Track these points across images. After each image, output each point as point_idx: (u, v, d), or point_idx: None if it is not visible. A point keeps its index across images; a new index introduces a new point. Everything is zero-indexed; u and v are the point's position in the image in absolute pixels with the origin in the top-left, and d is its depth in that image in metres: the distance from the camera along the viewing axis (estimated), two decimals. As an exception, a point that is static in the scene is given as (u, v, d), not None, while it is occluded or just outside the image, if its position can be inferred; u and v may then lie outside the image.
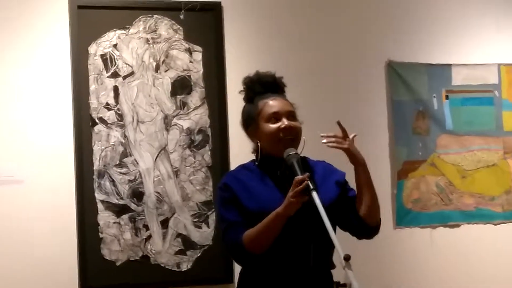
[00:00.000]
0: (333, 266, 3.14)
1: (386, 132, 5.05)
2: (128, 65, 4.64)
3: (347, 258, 2.58)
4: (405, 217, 5.04)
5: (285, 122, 3.17)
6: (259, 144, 3.23)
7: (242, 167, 3.34)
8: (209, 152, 4.70)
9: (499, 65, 5.25)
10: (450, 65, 5.17)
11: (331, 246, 2.94)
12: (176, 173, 4.65)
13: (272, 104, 3.22)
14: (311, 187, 2.91)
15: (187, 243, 4.64)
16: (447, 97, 5.16)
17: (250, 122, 3.28)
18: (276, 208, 3.01)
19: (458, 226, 5.14)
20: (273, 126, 3.18)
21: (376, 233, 3.25)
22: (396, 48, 5.10)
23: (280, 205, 3.01)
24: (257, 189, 3.19)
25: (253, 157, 3.35)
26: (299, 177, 2.95)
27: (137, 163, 4.60)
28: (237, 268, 4.48)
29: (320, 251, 3.07)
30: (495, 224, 5.19)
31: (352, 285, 2.46)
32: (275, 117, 3.19)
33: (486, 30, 5.28)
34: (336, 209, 3.13)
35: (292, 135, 3.17)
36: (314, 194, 2.89)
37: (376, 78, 5.06)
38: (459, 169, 5.15)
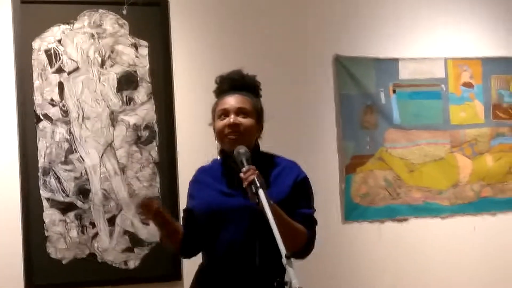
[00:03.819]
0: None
1: (334, 127, 5.06)
2: (73, 60, 4.59)
3: (288, 256, 2.57)
4: (353, 212, 5.05)
5: (231, 119, 3.15)
6: (216, 140, 3.25)
7: (212, 161, 3.36)
8: (156, 148, 4.67)
9: (445, 59, 5.29)
10: (397, 59, 5.19)
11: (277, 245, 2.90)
12: (123, 169, 4.61)
13: (225, 100, 3.21)
14: (258, 184, 2.89)
15: (135, 241, 4.61)
16: (394, 91, 5.17)
17: (212, 119, 3.27)
18: (211, 203, 3.16)
19: (406, 220, 5.16)
20: (221, 123, 3.18)
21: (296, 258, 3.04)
22: (343, 43, 5.10)
23: (217, 201, 3.14)
24: (204, 185, 3.25)
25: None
26: (243, 176, 2.93)
27: (83, 160, 4.56)
28: (186, 266, 4.50)
29: (266, 249, 3.04)
30: (443, 218, 5.23)
31: (292, 283, 2.45)
32: (224, 113, 3.18)
33: (432, 24, 5.30)
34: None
35: (238, 132, 3.14)
36: (261, 192, 2.86)
37: (324, 72, 5.06)
38: (407, 163, 5.17)
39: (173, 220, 3.28)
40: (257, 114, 3.24)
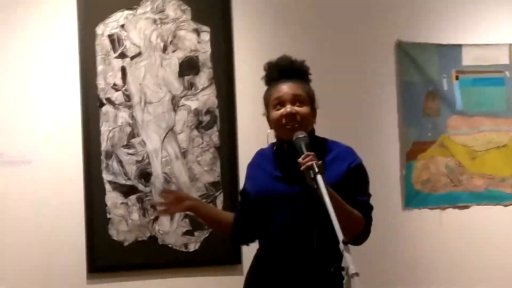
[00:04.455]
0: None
1: (395, 113, 5.02)
2: (136, 45, 4.63)
3: (345, 241, 2.57)
4: (414, 199, 5.02)
5: (287, 108, 3.16)
6: (272, 130, 3.28)
7: (270, 145, 3.39)
8: (217, 133, 4.69)
9: (510, 45, 5.20)
10: (460, 45, 5.12)
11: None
12: (184, 154, 4.65)
13: (280, 89, 3.22)
14: (316, 170, 2.89)
15: (195, 224, 4.63)
16: (457, 78, 5.12)
17: (265, 107, 3.30)
18: (264, 188, 3.22)
19: (467, 207, 5.11)
20: (277, 112, 3.19)
21: (353, 244, 3.05)
22: (406, 28, 5.06)
23: (271, 185, 3.20)
24: (260, 169, 3.32)
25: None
26: (301, 161, 2.94)
27: (145, 144, 4.61)
28: (245, 249, 4.52)
29: (323, 234, 3.05)
30: (505, 205, 5.16)
31: (349, 269, 2.45)
32: (280, 103, 3.20)
33: (497, 10, 5.22)
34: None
35: (295, 121, 3.15)
36: (319, 178, 2.86)
37: (386, 58, 5.02)
38: (469, 150, 5.12)
39: (212, 210, 3.54)
40: (311, 100, 3.25)
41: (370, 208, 3.22)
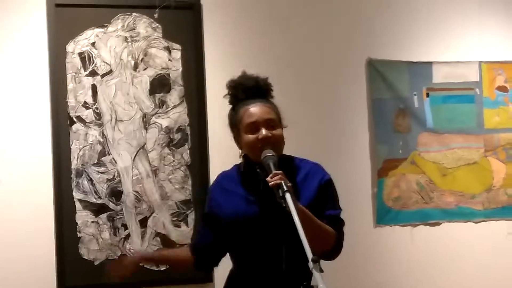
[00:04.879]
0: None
1: (366, 130, 5.04)
2: (106, 63, 4.62)
3: (314, 260, 2.57)
4: (385, 216, 5.03)
5: (263, 132, 3.12)
6: (242, 152, 3.25)
7: (233, 167, 3.36)
8: (188, 151, 4.68)
9: (480, 62, 5.24)
10: (431, 62, 5.16)
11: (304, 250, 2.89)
12: (155, 172, 4.63)
13: (251, 112, 3.18)
14: (285, 188, 2.88)
15: (166, 242, 4.62)
16: (427, 95, 5.15)
17: (233, 128, 3.28)
18: (239, 211, 3.15)
19: (438, 224, 5.13)
20: (252, 136, 3.15)
21: (326, 259, 3.10)
22: (376, 46, 5.08)
23: (245, 208, 3.15)
24: (230, 192, 3.26)
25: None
26: (270, 179, 2.93)
27: (116, 162, 4.59)
28: (217, 268, 4.50)
29: (293, 254, 3.04)
30: (476, 222, 5.19)
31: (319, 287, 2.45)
32: (254, 127, 3.16)
33: (467, 27, 5.27)
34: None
35: (271, 144, 3.12)
36: (288, 196, 2.86)
37: (357, 76, 5.04)
38: (440, 167, 5.14)
39: (163, 251, 3.41)
40: (280, 120, 3.24)
41: (342, 222, 3.22)
